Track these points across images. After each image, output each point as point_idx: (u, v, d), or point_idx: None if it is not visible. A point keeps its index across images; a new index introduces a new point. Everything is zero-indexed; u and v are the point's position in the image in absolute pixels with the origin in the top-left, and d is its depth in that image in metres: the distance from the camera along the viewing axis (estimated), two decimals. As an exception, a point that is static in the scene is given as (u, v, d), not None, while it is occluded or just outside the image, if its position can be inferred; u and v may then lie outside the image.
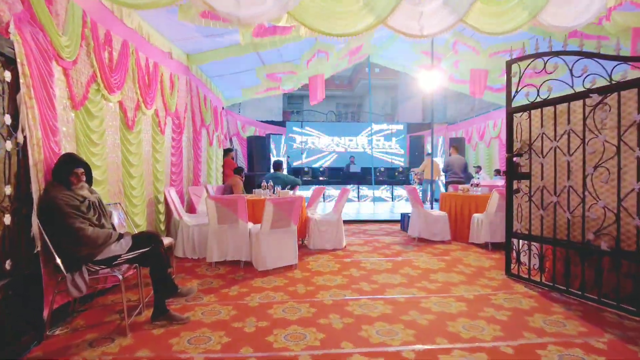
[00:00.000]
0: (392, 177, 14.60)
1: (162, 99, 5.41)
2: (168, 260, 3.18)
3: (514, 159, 4.38)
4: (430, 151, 14.09)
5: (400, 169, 14.60)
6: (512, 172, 4.40)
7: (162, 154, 5.39)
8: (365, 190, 13.80)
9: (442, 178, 13.76)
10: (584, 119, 3.60)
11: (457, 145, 9.33)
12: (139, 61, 4.56)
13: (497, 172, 12.78)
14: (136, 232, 4.16)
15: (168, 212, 5.63)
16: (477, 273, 4.57)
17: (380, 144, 15.99)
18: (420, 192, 13.80)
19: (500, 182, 11.73)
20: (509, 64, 4.50)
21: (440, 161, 14.21)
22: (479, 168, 12.64)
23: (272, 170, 7.19)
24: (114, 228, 3.13)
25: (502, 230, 5.71)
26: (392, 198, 13.96)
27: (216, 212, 4.76)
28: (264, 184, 5.88)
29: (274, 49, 6.83)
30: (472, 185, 6.71)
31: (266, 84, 8.69)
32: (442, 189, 13.61)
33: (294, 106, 32.11)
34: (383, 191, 13.80)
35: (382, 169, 14.33)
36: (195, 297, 3.64)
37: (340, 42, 8.29)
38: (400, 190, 13.99)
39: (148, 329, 2.97)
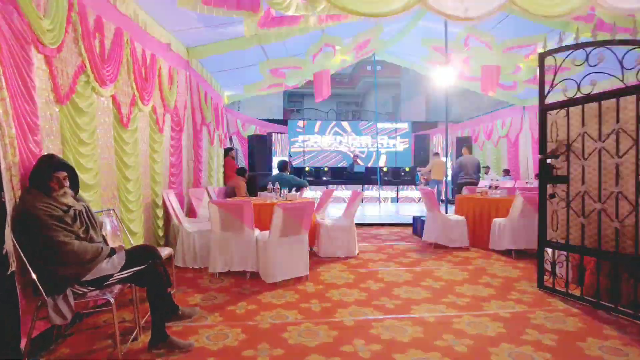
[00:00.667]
0: (397, 177, 14.20)
1: (160, 94, 4.98)
2: (168, 278, 2.76)
3: (548, 160, 3.98)
4: (437, 151, 13.72)
5: (408, 169, 14.19)
6: (545, 175, 4.00)
7: (160, 154, 4.96)
8: (370, 190, 13.39)
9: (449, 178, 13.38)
10: (638, 116, 3.19)
11: (469, 145, 8.92)
12: (135, 52, 4.13)
13: (506, 172, 12.41)
14: (132, 241, 3.75)
15: (167, 217, 5.21)
16: (506, 285, 4.16)
17: (385, 143, 15.58)
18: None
19: (510, 182, 11.35)
20: (542, 57, 4.09)
21: (447, 161, 13.77)
22: (487, 168, 12.23)
23: (275, 171, 6.78)
24: (105, 242, 2.71)
25: (526, 236, 5.32)
26: (397, 199, 13.55)
27: (219, 218, 4.34)
28: (269, 186, 5.46)
29: (279, 41, 6.42)
30: (490, 187, 6.30)
31: (270, 79, 8.27)
32: (449, 190, 13.24)
33: (295, 104, 31.68)
34: (389, 192, 13.39)
35: (387, 169, 13.92)
36: (199, 316, 3.23)
37: (348, 36, 7.89)
38: (406, 191, 13.58)
39: (145, 359, 2.56)
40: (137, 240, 4.10)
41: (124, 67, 3.88)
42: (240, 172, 6.88)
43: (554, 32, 7.52)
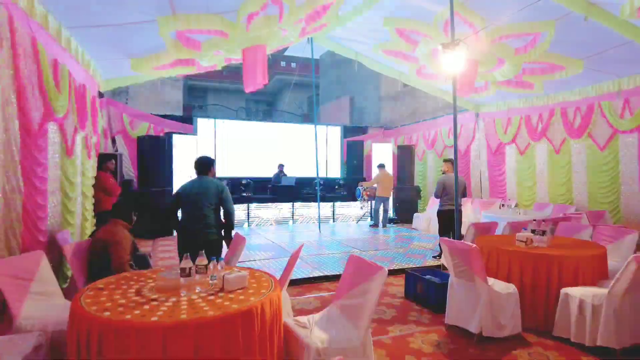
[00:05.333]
0: (331, 191, 11.84)
1: None
2: None
3: None
4: (383, 162, 11.63)
5: (342, 182, 11.91)
6: None
7: None
8: (302, 208, 10.78)
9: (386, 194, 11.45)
10: None
11: (451, 159, 6.84)
12: None
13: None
14: None
15: None
16: None
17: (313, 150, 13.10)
18: (369, 211, 11.26)
19: (468, 202, 9.65)
20: None
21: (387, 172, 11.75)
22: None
23: (182, 177, 3.80)
24: None
25: (634, 324, 3.23)
26: (334, 217, 11.17)
27: None
28: (185, 261, 2.50)
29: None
30: (535, 232, 4.13)
31: (175, 51, 5.16)
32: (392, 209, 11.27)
33: (197, 99, 27.57)
34: (324, 209, 10.92)
35: (321, 182, 11.46)
36: None
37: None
38: (344, 209, 11.25)
39: None
40: None
41: None
42: (121, 211, 3.71)
43: (570, 16, 5.76)
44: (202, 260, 2.54)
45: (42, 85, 3.64)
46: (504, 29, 6.31)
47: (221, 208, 3.87)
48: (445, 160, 6.84)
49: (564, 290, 3.56)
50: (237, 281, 2.48)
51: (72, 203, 4.57)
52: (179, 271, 2.49)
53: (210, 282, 2.58)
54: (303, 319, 2.75)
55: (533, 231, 4.16)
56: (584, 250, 3.94)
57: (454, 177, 6.59)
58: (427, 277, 4.51)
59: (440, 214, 6.54)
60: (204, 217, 3.75)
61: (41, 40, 3.61)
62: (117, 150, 10.31)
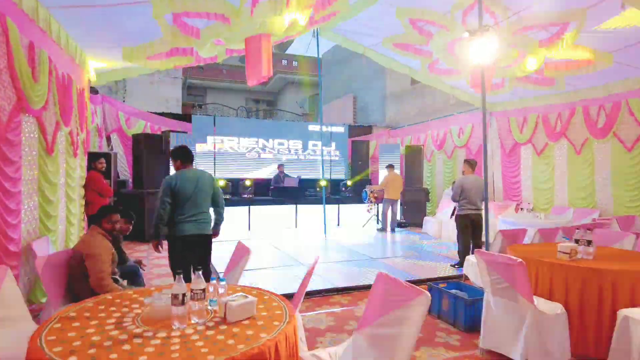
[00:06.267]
0: (336, 192, 11.33)
1: None
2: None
3: None
4: (391, 162, 11.15)
5: (350, 183, 11.40)
6: None
7: None
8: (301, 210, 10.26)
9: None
10: None
11: (471, 160, 6.32)
12: None
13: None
14: None
15: None
16: None
17: (317, 150, 12.61)
18: (375, 216, 10.73)
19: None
20: None
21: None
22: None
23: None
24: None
25: None
26: (338, 221, 10.65)
27: None
28: (178, 285, 1.98)
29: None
30: (579, 242, 3.62)
31: (171, 38, 4.63)
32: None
33: (196, 98, 27.00)
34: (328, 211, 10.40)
35: (326, 183, 10.95)
36: None
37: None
38: (350, 211, 10.72)
39: None
40: None
41: None
42: (99, 217, 3.19)
43: (604, 3, 5.27)
44: (198, 283, 2.02)
45: (13, 70, 3.12)
46: (529, 19, 5.80)
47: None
48: (466, 161, 6.30)
49: (622, 312, 3.04)
50: (242, 310, 1.97)
51: (53, 207, 4.05)
52: (170, 297, 1.97)
53: (210, 307, 2.08)
54: (324, 353, 2.23)
55: (576, 241, 3.65)
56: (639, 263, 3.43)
57: (474, 179, 6.13)
58: (453, 291, 4.00)
59: (458, 218, 6.02)
60: (202, 213, 3.53)
61: (12, 17, 3.09)
62: (112, 149, 9.82)
